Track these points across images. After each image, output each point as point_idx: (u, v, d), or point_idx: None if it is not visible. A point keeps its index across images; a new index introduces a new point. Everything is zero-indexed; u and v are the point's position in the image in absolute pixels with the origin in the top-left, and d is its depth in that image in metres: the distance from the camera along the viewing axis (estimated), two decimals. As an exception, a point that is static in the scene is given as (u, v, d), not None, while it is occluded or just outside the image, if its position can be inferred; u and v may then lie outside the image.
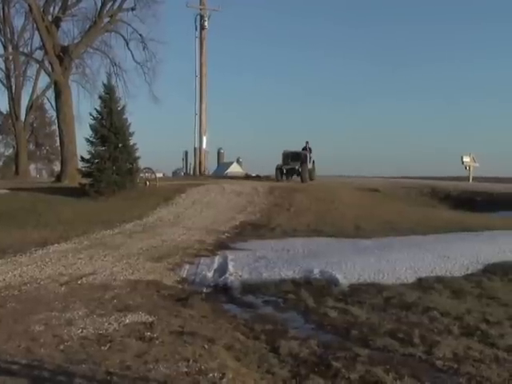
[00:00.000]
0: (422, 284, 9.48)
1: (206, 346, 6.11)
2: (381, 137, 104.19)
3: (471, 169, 36.48)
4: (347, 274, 9.93)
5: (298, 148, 34.00)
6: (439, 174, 38.15)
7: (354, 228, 17.29)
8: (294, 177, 32.28)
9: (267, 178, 33.68)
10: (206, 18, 40.57)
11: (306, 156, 31.91)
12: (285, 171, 31.92)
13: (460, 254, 11.58)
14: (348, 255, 11.58)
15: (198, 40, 40.99)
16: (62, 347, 6.02)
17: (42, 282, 9.60)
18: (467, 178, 35.77)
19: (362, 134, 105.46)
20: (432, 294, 8.78)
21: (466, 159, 36.35)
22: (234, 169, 46.73)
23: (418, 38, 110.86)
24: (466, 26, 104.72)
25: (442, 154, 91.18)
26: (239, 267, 10.78)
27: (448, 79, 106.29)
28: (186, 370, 5.32)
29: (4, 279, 9.80)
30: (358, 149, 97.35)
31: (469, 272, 10.40)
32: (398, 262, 10.72)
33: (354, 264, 10.58)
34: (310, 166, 32.28)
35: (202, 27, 40.80)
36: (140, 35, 37.75)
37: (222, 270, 10.69)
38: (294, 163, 31.52)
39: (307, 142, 33.45)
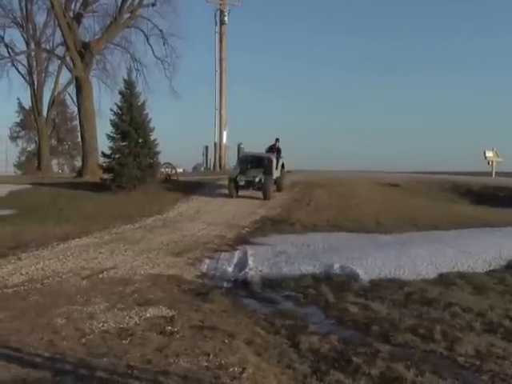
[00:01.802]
0: (443, 280, 9.39)
1: (227, 341, 6.12)
2: (401, 131, 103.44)
3: (494, 164, 35.97)
4: (368, 269, 9.87)
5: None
6: (461, 169, 37.64)
7: (375, 223, 17.17)
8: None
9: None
10: (226, 13, 40.55)
11: (271, 162, 22.73)
12: (242, 183, 22.59)
13: (482, 249, 11.45)
14: (368, 250, 11.50)
15: (217, 35, 40.97)
16: (83, 340, 6.07)
17: (63, 276, 9.70)
18: (490, 173, 35.32)
19: (381, 128, 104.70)
20: (454, 289, 8.69)
21: (489, 154, 35.83)
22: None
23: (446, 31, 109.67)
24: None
25: (464, 149, 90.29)
26: (259, 262, 10.78)
27: (471, 73, 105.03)
28: (206, 364, 5.33)
29: (27, 273, 9.91)
30: (378, 144, 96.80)
31: (491, 268, 10.29)
32: (418, 258, 10.63)
33: (375, 259, 10.52)
34: (277, 173, 23.53)
35: (222, 22, 40.78)
36: (160, 30, 37.94)
37: (242, 264, 10.70)
38: (255, 172, 22.53)
39: (277, 140, 24.75)
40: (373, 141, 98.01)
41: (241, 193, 22.92)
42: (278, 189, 23.60)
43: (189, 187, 25.23)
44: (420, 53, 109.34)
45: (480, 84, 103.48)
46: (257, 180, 22.23)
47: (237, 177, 22.54)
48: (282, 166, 24.37)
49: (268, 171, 22.54)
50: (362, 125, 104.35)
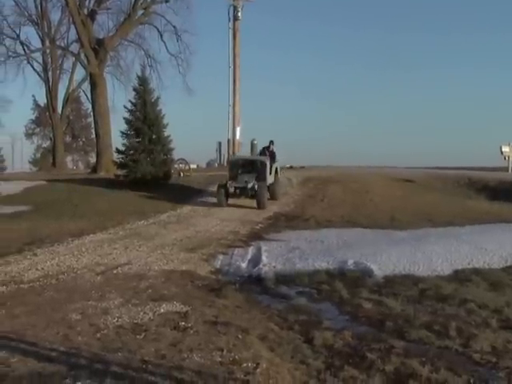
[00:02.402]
0: (458, 276, 9.33)
1: (240, 336, 6.12)
2: (416, 126, 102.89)
3: (511, 159, 35.62)
4: (382, 265, 9.83)
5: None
6: (477, 164, 37.30)
7: (389, 219, 17.10)
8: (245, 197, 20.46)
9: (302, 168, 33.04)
10: (240, 9, 40.47)
11: (264, 166, 20.33)
12: (232, 190, 19.88)
13: (498, 245, 11.35)
14: (383, 246, 11.45)
15: (231, 31, 40.92)
16: (98, 335, 6.10)
17: (78, 272, 9.75)
18: (506, 169, 34.98)
19: (397, 123, 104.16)
20: (469, 286, 8.63)
21: (506, 149, 35.43)
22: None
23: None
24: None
25: (480, 145, 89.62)
26: (273, 258, 10.77)
27: (489, 67, 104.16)
28: (219, 359, 5.33)
29: (42, 268, 9.98)
30: (392, 139, 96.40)
31: (508, 264, 10.19)
32: (433, 254, 10.56)
33: (389, 255, 10.47)
34: (271, 179, 21.07)
35: (236, 18, 40.69)
36: (174, 27, 37.99)
37: (256, 260, 10.70)
38: (248, 178, 19.84)
39: (271, 142, 22.35)
40: (387, 136, 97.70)
41: (231, 201, 20.19)
42: (272, 197, 20.75)
43: (202, 183, 25.27)
44: (435, 47, 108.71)
45: (497, 78, 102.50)
46: (249, 186, 19.35)
47: (227, 183, 19.77)
48: (276, 171, 21.80)
49: (261, 176, 19.94)
50: (376, 120, 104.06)
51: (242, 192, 19.71)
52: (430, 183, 26.17)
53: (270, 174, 20.72)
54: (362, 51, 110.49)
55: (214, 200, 20.34)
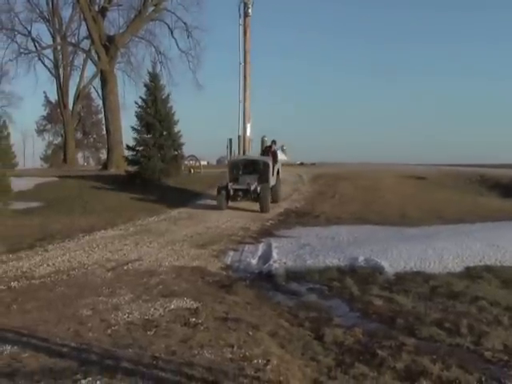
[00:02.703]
0: (470, 273, 9.26)
1: (251, 333, 6.12)
2: (429, 124, 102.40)
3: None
4: (393, 262, 9.79)
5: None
6: (489, 161, 37.10)
7: (400, 216, 17.03)
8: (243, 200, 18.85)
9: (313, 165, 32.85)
10: (250, 5, 40.36)
11: (267, 167, 18.92)
12: (233, 192, 18.29)
13: (510, 243, 11.23)
14: (394, 243, 11.40)
15: (241, 27, 40.84)
16: (109, 331, 6.13)
17: (89, 268, 9.80)
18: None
19: (409, 120, 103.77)
20: (480, 283, 8.56)
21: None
22: (279, 157, 46.39)
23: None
24: None
25: (493, 142, 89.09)
26: (283, 254, 10.76)
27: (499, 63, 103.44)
28: (230, 356, 5.33)
29: (53, 264, 10.05)
30: (404, 136, 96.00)
31: (520, 261, 10.11)
32: (445, 251, 10.49)
33: (400, 252, 10.42)
34: (273, 180, 19.52)
35: (246, 14, 40.47)
36: (184, 23, 38.00)
37: (267, 257, 10.69)
38: (249, 179, 18.36)
39: (273, 142, 21.16)
40: (399, 133, 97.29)
41: (230, 204, 18.67)
42: (273, 199, 19.10)
43: (213, 180, 25.28)
44: (452, 43, 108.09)
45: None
46: (252, 188, 17.92)
47: (227, 185, 18.23)
48: (278, 172, 20.36)
49: (264, 178, 18.54)
50: (388, 117, 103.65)
51: (245, 195, 18.23)
52: (442, 180, 26.04)
53: (273, 175, 19.36)
54: (373, 49, 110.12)
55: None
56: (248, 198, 18.23)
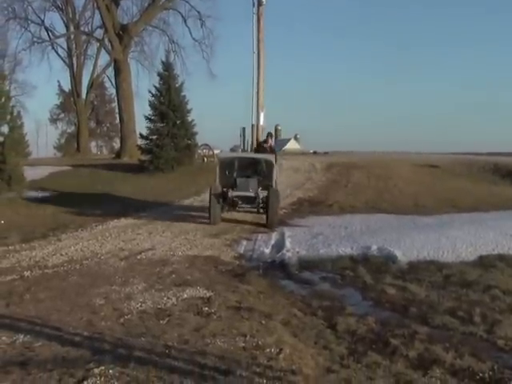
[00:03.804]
0: (483, 262, 9.21)
1: (263, 322, 6.11)
2: (442, 112, 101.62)
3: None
4: (406, 251, 9.74)
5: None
6: (504, 149, 36.76)
7: (413, 205, 16.96)
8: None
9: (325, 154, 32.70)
10: (264, -6, 40.15)
11: (271, 167, 14.09)
12: (231, 201, 13.58)
13: (524, 231, 11.17)
14: (406, 232, 11.36)
15: (255, 16, 40.64)
16: (121, 321, 6.14)
17: (102, 257, 9.84)
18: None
19: (422, 109, 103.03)
20: (494, 272, 8.50)
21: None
22: (292, 145, 46.42)
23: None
24: None
25: (507, 130, 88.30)
26: (296, 243, 10.75)
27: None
28: (243, 344, 5.33)
29: (66, 253, 10.10)
30: (416, 125, 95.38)
31: (533, 250, 10.04)
32: (458, 240, 10.44)
33: (413, 241, 10.38)
34: (274, 183, 14.17)
35: (260, 3, 40.31)
36: (198, 12, 37.94)
37: (279, 246, 10.69)
38: (251, 183, 13.70)
39: (270, 135, 16.19)
40: (412, 122, 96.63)
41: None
42: (268, 220, 13.41)
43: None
44: (466, 32, 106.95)
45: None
46: (261, 196, 13.30)
47: (226, 192, 13.35)
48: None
49: (268, 182, 13.77)
50: (401, 106, 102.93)
51: (248, 203, 13.62)
52: (455, 169, 25.88)
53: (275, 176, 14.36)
54: (388, 37, 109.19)
55: None
56: (251, 208, 13.81)
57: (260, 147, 15.69)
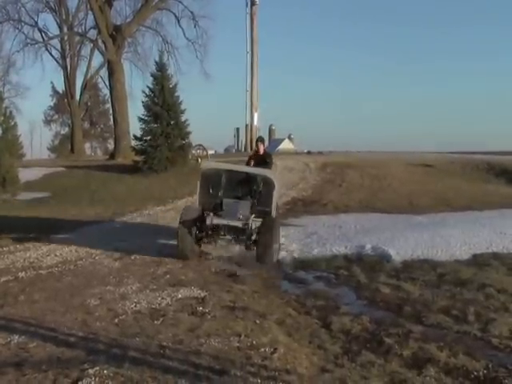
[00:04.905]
0: (477, 260, 9.26)
1: (258, 321, 6.12)
2: (436, 111, 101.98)
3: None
4: (400, 250, 9.78)
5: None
6: (498, 148, 36.88)
7: (408, 204, 17.02)
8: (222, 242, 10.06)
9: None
10: (257, -6, 40.22)
11: (271, 187, 10.32)
12: (211, 231, 9.74)
13: (518, 230, 11.22)
14: (401, 231, 11.40)
15: (248, 16, 40.74)
16: (116, 321, 6.14)
17: (96, 258, 9.82)
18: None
19: (415, 108, 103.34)
20: (488, 270, 8.55)
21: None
22: (286, 145, 46.45)
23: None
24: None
25: (502, 129, 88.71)
26: (291, 243, 10.76)
27: None
28: (237, 344, 5.34)
29: (61, 254, 10.10)
30: (411, 124, 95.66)
31: (527, 249, 10.08)
32: (452, 238, 10.49)
33: (407, 240, 10.42)
34: (274, 212, 10.31)
35: (253, 3, 40.50)
36: (191, 12, 37.87)
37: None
38: (241, 207, 9.80)
39: (261, 140, 11.93)
40: (405, 121, 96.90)
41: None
42: (259, 255, 9.54)
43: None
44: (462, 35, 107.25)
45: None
46: (252, 226, 9.69)
47: (201, 215, 9.77)
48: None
49: (267, 206, 10.23)
50: (395, 105, 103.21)
51: (232, 235, 9.75)
52: (449, 168, 25.95)
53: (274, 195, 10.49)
54: (385, 38, 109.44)
55: None
56: (238, 241, 9.86)
57: (257, 157, 11.32)
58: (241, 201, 9.97)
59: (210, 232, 9.74)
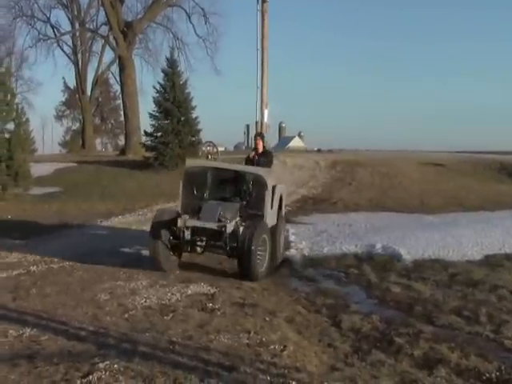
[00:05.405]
0: (489, 261, 9.17)
1: (267, 319, 6.11)
2: (448, 111, 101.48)
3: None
4: (411, 249, 9.72)
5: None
6: (508, 148, 36.63)
7: (419, 203, 16.95)
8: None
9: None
10: (268, -10, 40.05)
11: (263, 187, 8.80)
12: (187, 237, 8.12)
13: (531, 230, 11.13)
14: (412, 230, 11.33)
15: (259, 13, 40.56)
16: (126, 316, 6.15)
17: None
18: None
19: (428, 107, 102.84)
20: (500, 271, 8.48)
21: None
22: (296, 143, 46.41)
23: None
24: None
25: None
26: (301, 241, 10.73)
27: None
28: (247, 341, 5.33)
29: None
30: (422, 123, 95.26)
31: (540, 250, 9.99)
32: (464, 238, 10.41)
33: (418, 239, 10.36)
34: (271, 217, 9.01)
35: (264, 0, 40.31)
36: (202, 9, 37.89)
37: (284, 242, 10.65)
38: (222, 209, 8.28)
39: (260, 135, 10.39)
40: (417, 120, 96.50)
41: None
42: (272, 255, 8.84)
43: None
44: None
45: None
46: (228, 230, 8.07)
47: (174, 221, 8.27)
48: (280, 199, 9.75)
49: (259, 209, 8.79)
50: (408, 104, 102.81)
51: (210, 242, 8.35)
52: (461, 167, 25.81)
53: (272, 206, 9.10)
54: (403, 32, 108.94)
55: None
56: (217, 249, 8.44)
57: (254, 156, 9.75)
58: (226, 202, 8.58)
59: (186, 239, 8.16)
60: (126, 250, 10.25)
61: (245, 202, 8.74)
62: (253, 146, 10.08)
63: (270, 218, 8.92)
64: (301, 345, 5.35)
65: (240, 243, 7.94)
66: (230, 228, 8.03)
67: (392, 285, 7.78)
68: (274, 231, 9.01)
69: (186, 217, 8.24)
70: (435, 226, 12.16)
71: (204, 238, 8.22)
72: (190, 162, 9.69)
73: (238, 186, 8.92)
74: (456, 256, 9.42)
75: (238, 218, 8.35)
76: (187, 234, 8.10)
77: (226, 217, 8.18)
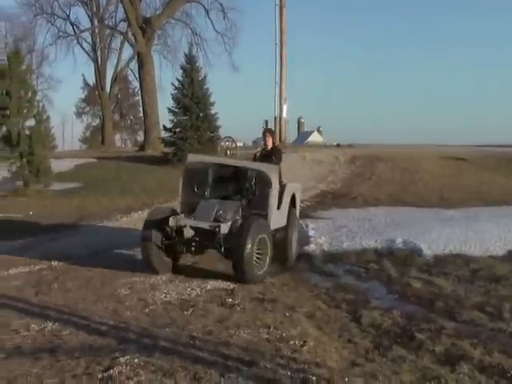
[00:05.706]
0: (513, 256, 9.05)
1: (287, 314, 6.10)
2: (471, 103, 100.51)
3: None
4: (431, 244, 9.61)
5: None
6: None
7: (439, 198, 16.78)
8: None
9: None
10: (286, -15, 39.90)
11: (267, 185, 8.17)
12: (180, 237, 7.68)
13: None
14: (432, 225, 11.21)
15: (277, 7, 40.45)
16: (146, 311, 6.19)
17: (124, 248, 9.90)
18: None
19: (448, 100, 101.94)
20: (524, 267, 8.36)
21: None
22: (315, 138, 46.23)
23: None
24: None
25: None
26: (320, 236, 10.68)
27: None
28: (266, 336, 5.32)
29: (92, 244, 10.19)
30: (445, 116, 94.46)
31: None
32: (486, 233, 10.26)
33: (439, 234, 10.24)
34: (280, 217, 8.59)
35: (282, -5, 40.16)
36: (220, 4, 37.94)
37: (303, 238, 10.61)
38: (220, 207, 7.93)
39: (269, 131, 10.09)
40: (438, 113, 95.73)
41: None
42: (284, 257, 8.80)
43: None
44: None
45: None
46: (223, 231, 7.56)
47: (167, 221, 7.77)
48: (293, 198, 9.31)
49: (262, 209, 8.17)
50: (428, 97, 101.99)
51: (204, 243, 7.85)
52: (483, 161, 25.45)
53: (279, 206, 8.55)
54: (417, 28, 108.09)
55: None
56: (214, 248, 7.90)
57: (262, 153, 9.56)
58: (226, 201, 8.14)
59: (176, 237, 7.75)
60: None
61: (247, 201, 8.23)
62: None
63: (277, 219, 8.38)
64: (321, 340, 5.33)
65: (233, 244, 7.44)
66: (224, 228, 7.54)
67: (413, 280, 7.71)
68: (283, 232, 8.68)
69: (181, 216, 7.94)
70: (456, 220, 12.02)
71: (197, 239, 7.70)
72: (191, 158, 9.32)
73: (240, 184, 8.42)
74: (478, 251, 9.30)
75: (238, 218, 7.90)
76: (185, 234, 7.59)
77: (224, 216, 7.76)
